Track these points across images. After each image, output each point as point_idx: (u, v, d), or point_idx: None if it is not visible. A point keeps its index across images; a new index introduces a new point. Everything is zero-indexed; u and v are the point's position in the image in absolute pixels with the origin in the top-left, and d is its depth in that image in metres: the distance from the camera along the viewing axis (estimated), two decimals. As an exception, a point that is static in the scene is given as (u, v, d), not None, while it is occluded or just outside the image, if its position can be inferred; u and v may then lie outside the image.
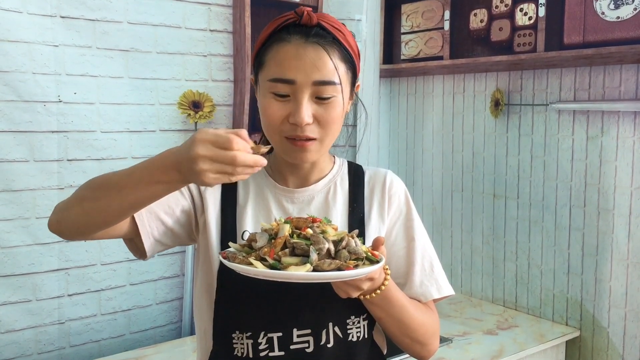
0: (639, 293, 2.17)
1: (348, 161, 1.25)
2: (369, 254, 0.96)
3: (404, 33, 2.87)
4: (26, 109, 2.01)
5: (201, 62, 2.37)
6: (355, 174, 1.22)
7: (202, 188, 1.15)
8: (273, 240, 0.94)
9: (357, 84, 1.15)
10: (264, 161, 0.86)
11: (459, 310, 2.56)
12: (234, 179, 0.86)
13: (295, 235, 0.94)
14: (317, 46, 1.04)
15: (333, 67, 1.05)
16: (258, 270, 0.89)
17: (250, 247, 0.97)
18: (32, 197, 2.04)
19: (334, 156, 1.24)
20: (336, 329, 1.09)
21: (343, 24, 1.11)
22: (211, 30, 2.39)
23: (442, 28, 2.65)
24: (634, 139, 2.16)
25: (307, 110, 1.04)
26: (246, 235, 1.10)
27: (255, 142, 0.91)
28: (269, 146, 0.92)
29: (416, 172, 2.96)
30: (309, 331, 1.08)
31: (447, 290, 1.19)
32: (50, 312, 2.10)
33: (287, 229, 0.94)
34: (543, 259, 2.47)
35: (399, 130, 3.03)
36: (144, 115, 2.25)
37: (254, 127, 2.45)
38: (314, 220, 0.99)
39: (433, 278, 1.18)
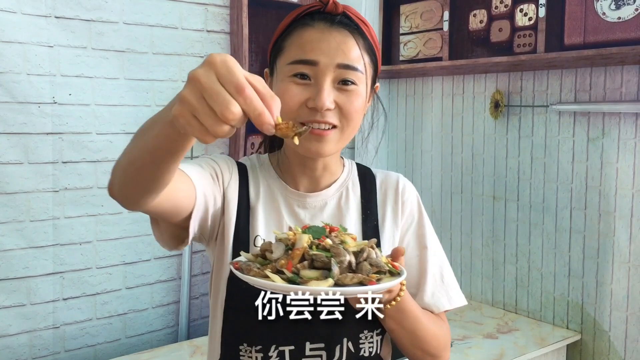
0: (640, 296, 2.15)
1: (356, 163, 1.21)
2: (390, 265, 0.90)
3: (403, 34, 2.85)
4: (20, 111, 1.98)
5: (198, 63, 2.31)
6: (366, 178, 1.18)
7: (225, 185, 1.07)
8: (290, 252, 0.87)
9: (376, 85, 1.11)
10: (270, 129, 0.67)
11: (459, 313, 2.54)
12: (207, 138, 0.65)
13: (314, 247, 0.88)
14: (343, 30, 1.01)
15: (359, 53, 1.01)
16: (276, 284, 0.83)
17: (263, 257, 0.90)
18: (26, 199, 2.01)
19: (342, 158, 1.19)
20: (349, 344, 1.05)
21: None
22: (208, 31, 2.37)
23: (442, 29, 2.63)
24: (635, 141, 2.14)
25: (329, 94, 0.99)
26: (259, 241, 1.04)
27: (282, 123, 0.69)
28: (306, 127, 0.72)
29: (415, 173, 2.94)
30: (322, 345, 1.04)
31: (459, 300, 1.15)
32: (45, 317, 2.08)
33: (305, 240, 0.88)
34: (543, 262, 2.45)
35: (398, 131, 3.01)
36: (140, 116, 2.23)
37: (254, 128, 2.43)
38: (331, 230, 0.93)
39: (445, 288, 1.14)
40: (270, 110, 0.65)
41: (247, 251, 1.01)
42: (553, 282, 2.42)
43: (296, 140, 0.69)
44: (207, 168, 1.05)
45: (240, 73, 0.63)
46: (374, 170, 1.20)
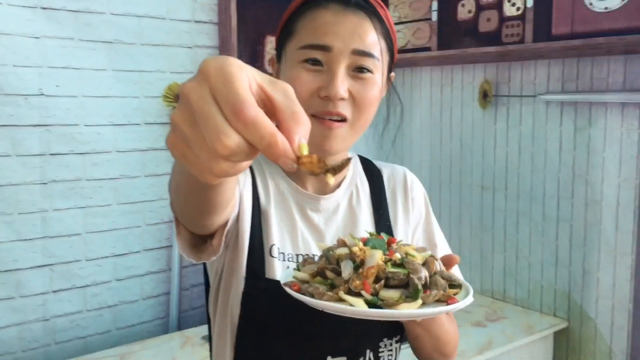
0: (626, 284, 2.18)
1: (358, 155, 1.14)
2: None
3: (392, 24, 2.85)
4: (7, 103, 1.97)
5: (186, 54, 2.33)
6: (372, 173, 1.10)
7: (241, 187, 0.95)
8: (360, 270, 0.77)
9: (392, 73, 1.03)
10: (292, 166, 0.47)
11: (448, 302, 2.55)
12: (207, 176, 0.48)
13: (388, 263, 0.78)
14: (359, 12, 0.93)
15: (375, 38, 0.93)
16: (362, 310, 0.73)
17: (322, 276, 0.81)
18: (14, 192, 2.00)
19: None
20: (371, 354, 1.00)
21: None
22: (196, 22, 2.35)
23: (430, 19, 2.64)
24: (621, 131, 2.16)
25: (343, 82, 0.91)
26: (275, 251, 0.96)
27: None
28: (349, 158, 0.54)
29: (404, 164, 2.92)
30: (344, 358, 0.98)
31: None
32: (35, 309, 2.07)
33: (379, 256, 0.78)
34: (531, 251, 2.47)
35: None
36: (128, 108, 2.22)
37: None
38: (390, 242, 0.84)
39: None
40: (289, 136, 0.45)
41: (262, 261, 0.95)
42: (541, 270, 2.44)
43: (330, 179, 0.50)
44: None
45: (242, 85, 0.44)
46: (376, 163, 1.14)
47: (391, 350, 1.03)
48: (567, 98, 2.29)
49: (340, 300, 0.75)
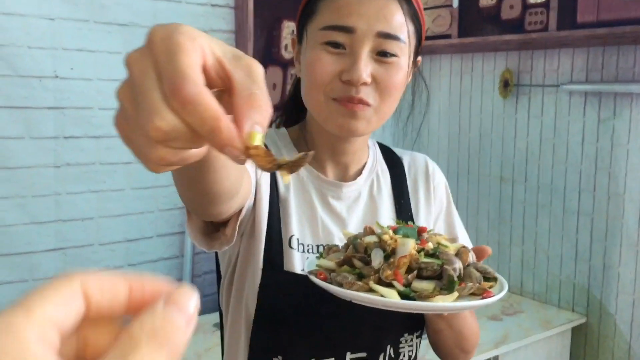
0: (648, 280, 2.12)
1: (377, 142, 1.10)
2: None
3: (411, 11, 2.79)
4: (22, 85, 1.95)
5: (202, 38, 2.30)
6: (393, 161, 1.07)
7: (258, 174, 0.91)
8: (391, 260, 0.73)
9: (418, 58, 0.98)
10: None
11: (463, 294, 2.52)
12: (150, 163, 0.41)
13: (421, 253, 0.75)
14: None
15: (402, 20, 0.87)
16: (395, 301, 0.69)
17: (349, 264, 0.77)
18: (28, 175, 1.99)
19: None
20: (391, 350, 0.96)
21: None
22: (212, 5, 2.32)
23: (451, 5, 2.58)
24: (647, 122, 2.10)
25: (366, 66, 0.86)
26: (294, 242, 0.93)
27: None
28: (307, 153, 0.43)
29: (422, 153, 2.90)
30: (364, 355, 0.94)
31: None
32: (47, 292, 2.07)
33: (412, 245, 0.74)
34: (550, 244, 2.42)
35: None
36: (143, 92, 2.20)
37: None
38: (420, 230, 0.80)
39: None
40: (240, 122, 0.37)
41: (280, 253, 0.91)
42: (559, 264, 2.39)
43: (285, 178, 0.44)
44: None
45: (187, 58, 0.36)
46: (396, 151, 1.10)
47: (412, 345, 0.99)
48: (591, 88, 2.23)
49: (370, 290, 0.71)
